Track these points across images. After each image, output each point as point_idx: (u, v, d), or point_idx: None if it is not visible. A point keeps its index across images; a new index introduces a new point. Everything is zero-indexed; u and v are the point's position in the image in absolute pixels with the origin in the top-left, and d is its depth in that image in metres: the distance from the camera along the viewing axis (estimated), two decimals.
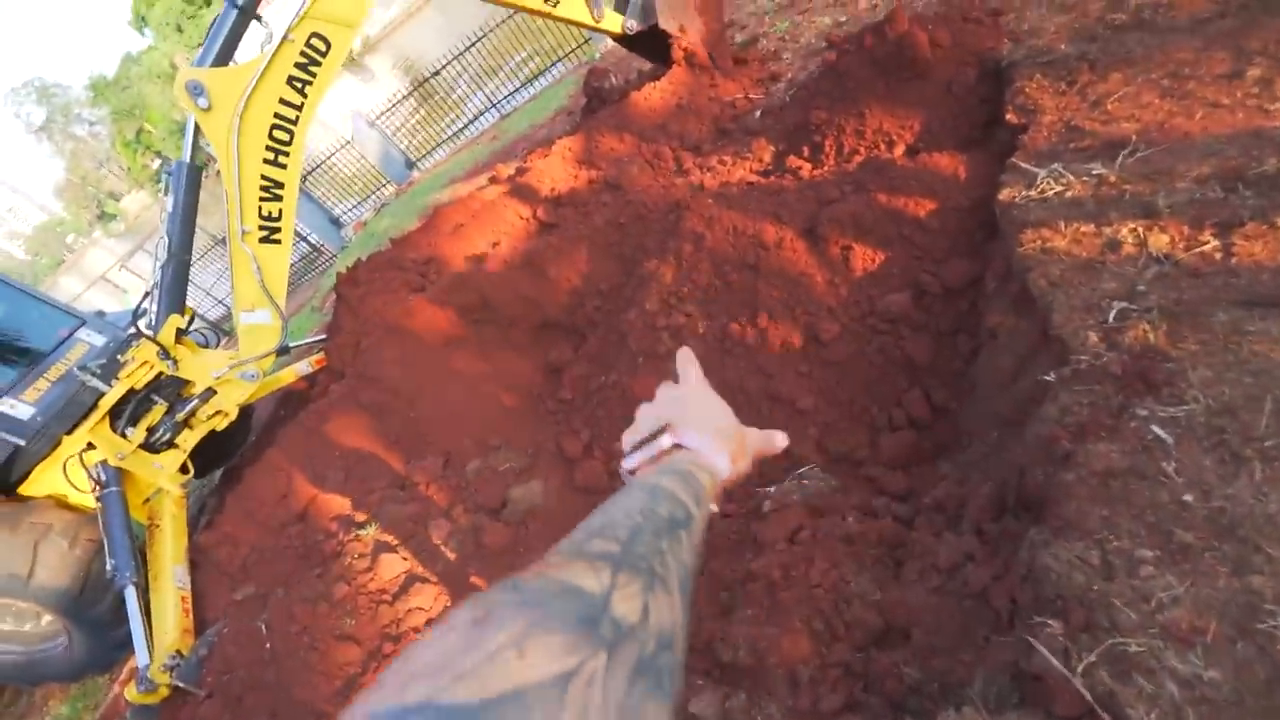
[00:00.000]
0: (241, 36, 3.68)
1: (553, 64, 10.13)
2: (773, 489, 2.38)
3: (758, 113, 4.48)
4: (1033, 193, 2.24)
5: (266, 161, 3.66)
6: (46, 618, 3.88)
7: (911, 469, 2.28)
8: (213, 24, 3.65)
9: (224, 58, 3.58)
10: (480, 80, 10.30)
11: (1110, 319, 1.72)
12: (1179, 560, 1.26)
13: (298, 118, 3.66)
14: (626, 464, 0.73)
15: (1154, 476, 1.40)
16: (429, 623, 2.84)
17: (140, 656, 3.19)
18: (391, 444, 3.87)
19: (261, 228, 3.79)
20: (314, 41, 3.56)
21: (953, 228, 2.59)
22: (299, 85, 3.59)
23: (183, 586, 3.57)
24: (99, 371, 3.94)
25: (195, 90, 3.45)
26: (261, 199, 3.72)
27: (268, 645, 3.02)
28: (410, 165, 11.32)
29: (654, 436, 0.72)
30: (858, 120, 3.31)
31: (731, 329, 2.85)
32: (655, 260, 3.32)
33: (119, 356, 4.08)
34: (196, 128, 3.64)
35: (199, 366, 4.17)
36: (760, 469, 2.53)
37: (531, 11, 4.61)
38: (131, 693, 3.06)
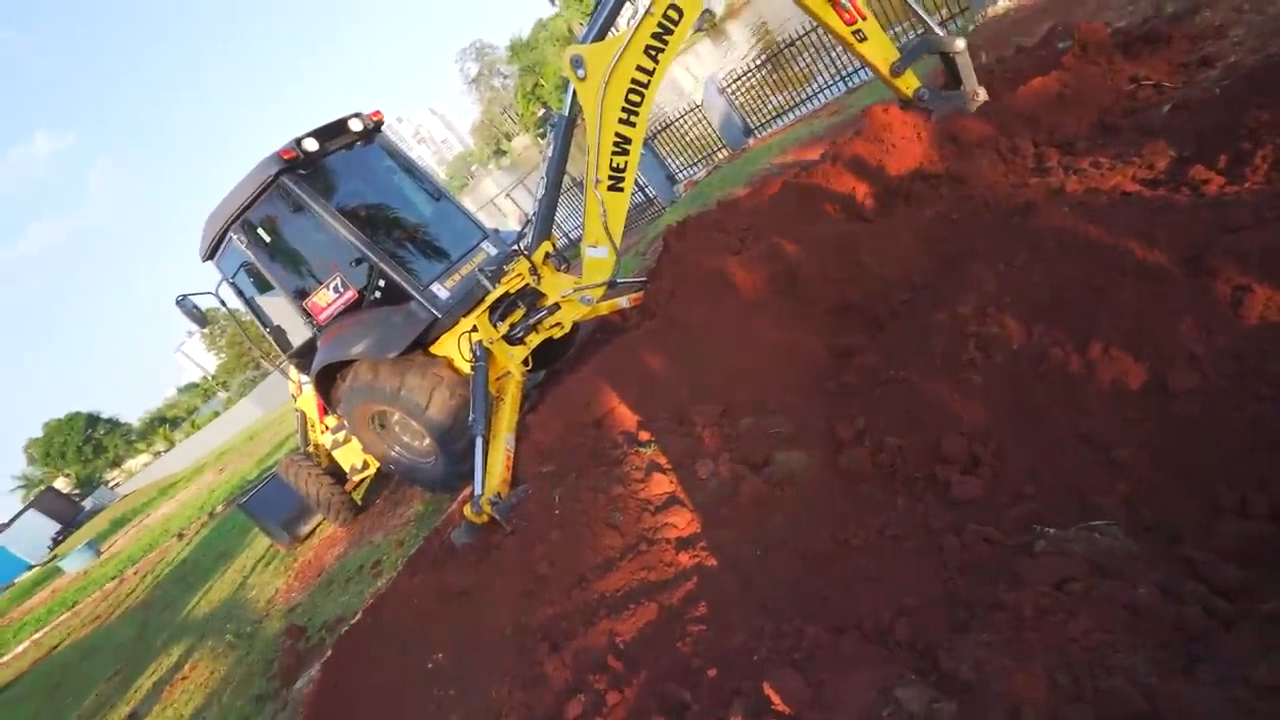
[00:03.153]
0: (618, 15, 4.29)
1: (915, 38, 9.48)
2: (1052, 530, 2.17)
3: (1166, 107, 3.71)
4: None
5: (621, 121, 4.25)
6: (427, 441, 5.39)
7: (1252, 568, 1.86)
8: (597, 4, 4.33)
9: (602, 34, 4.20)
10: (830, 50, 10.14)
11: None
12: None
13: (649, 82, 4.16)
14: None
15: None
16: (678, 539, 3.26)
17: (476, 488, 4.27)
18: (680, 384, 4.35)
19: (610, 177, 4.43)
20: (670, 12, 3.97)
21: None
22: (653, 53, 4.07)
23: (510, 449, 4.61)
24: (490, 275, 5.17)
25: (576, 63, 4.17)
26: (614, 153, 4.34)
27: (556, 512, 3.78)
28: (748, 132, 11.83)
29: None
30: None
31: (1053, 353, 2.57)
32: (982, 264, 3.09)
33: (504, 266, 5.29)
34: (574, 93, 4.36)
35: (553, 285, 5.19)
36: (1040, 507, 2.32)
37: (837, 37, 4.56)
38: (467, 511, 4.15)
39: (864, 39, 4.49)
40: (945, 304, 3.16)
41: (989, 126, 4.34)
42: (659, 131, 12.69)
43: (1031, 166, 3.88)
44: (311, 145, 4.96)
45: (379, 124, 5.70)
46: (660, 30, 4.03)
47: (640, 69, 4.11)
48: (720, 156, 12.14)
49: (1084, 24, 4.34)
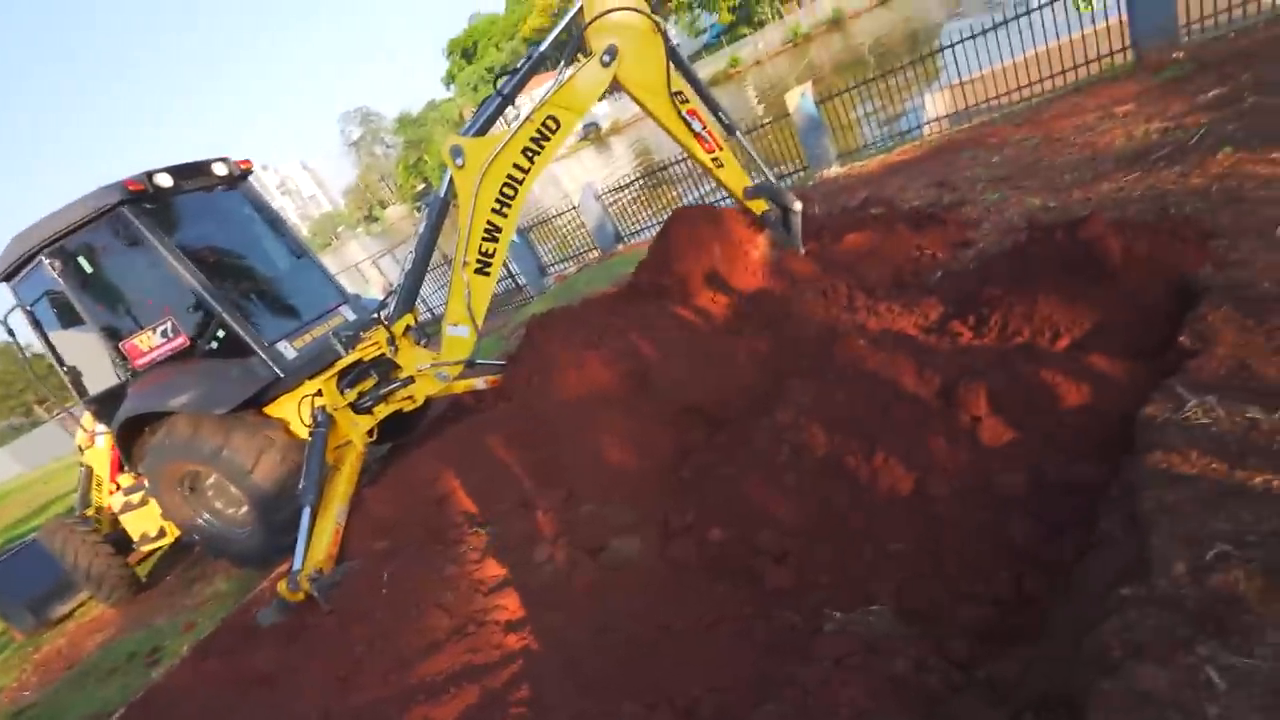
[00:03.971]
0: (499, 115, 4.65)
1: (782, 176, 10.86)
2: (839, 614, 2.51)
3: (938, 273, 4.69)
4: (1177, 417, 2.26)
5: (493, 211, 4.49)
6: (245, 509, 4.90)
7: (981, 643, 2.29)
8: (482, 103, 4.68)
9: (483, 130, 4.53)
10: (700, 179, 11.46)
11: (1208, 557, 1.74)
12: None
13: (523, 179, 4.48)
14: None
15: (1196, 714, 1.43)
16: (508, 622, 3.24)
17: (296, 561, 3.95)
18: (528, 468, 4.43)
19: (478, 261, 4.62)
20: (548, 121, 4.37)
21: (1091, 429, 2.62)
22: (529, 154, 4.42)
23: (340, 523, 4.34)
24: (344, 340, 5.03)
25: (456, 153, 4.43)
26: (483, 239, 4.55)
27: (384, 591, 3.60)
28: (619, 239, 12.71)
29: None
30: (1029, 305, 3.43)
31: (847, 460, 3.05)
32: (799, 380, 3.62)
33: (360, 333, 5.18)
34: (451, 179, 4.58)
35: (410, 358, 5.13)
36: (834, 594, 2.66)
37: (699, 162, 5.14)
38: (282, 587, 3.80)
39: (721, 165, 5.19)
40: (768, 412, 3.61)
41: (815, 267, 5.17)
42: (537, 224, 13.24)
43: (844, 305, 4.65)
44: (164, 180, 4.69)
45: (246, 172, 5.52)
46: (539, 136, 4.39)
47: (516, 166, 4.42)
48: (591, 256, 12.84)
49: (877, 206, 5.38)
